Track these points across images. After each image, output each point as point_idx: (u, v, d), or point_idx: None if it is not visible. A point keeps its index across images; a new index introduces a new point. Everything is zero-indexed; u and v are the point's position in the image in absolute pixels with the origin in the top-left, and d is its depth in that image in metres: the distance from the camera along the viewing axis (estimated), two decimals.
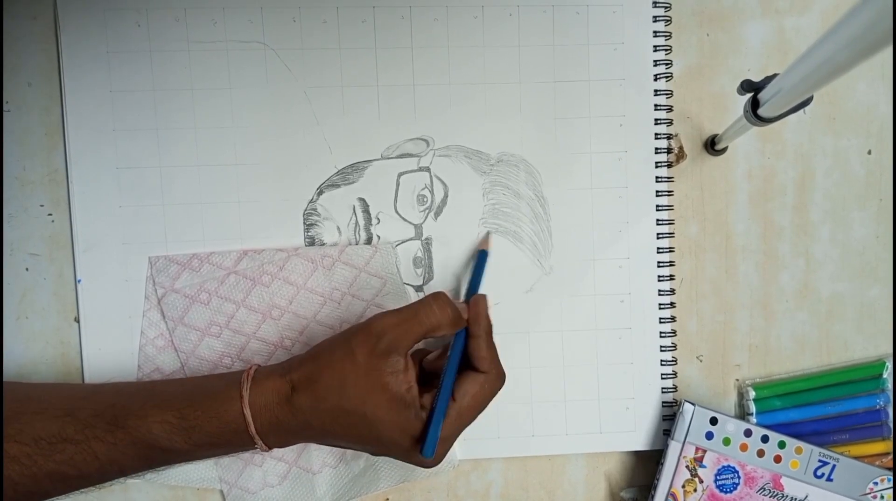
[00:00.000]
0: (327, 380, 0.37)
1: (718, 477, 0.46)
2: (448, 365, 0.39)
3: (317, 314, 0.45)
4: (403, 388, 0.37)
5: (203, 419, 0.37)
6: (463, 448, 0.47)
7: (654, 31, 0.47)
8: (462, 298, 0.45)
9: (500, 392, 0.47)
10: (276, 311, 0.44)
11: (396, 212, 0.46)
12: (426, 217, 0.46)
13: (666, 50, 0.47)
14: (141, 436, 0.36)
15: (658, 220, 0.48)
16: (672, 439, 0.46)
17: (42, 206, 0.45)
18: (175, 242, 0.45)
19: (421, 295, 0.46)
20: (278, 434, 0.38)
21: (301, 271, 0.44)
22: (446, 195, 0.46)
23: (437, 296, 0.39)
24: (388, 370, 0.37)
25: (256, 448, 0.37)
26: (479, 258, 0.45)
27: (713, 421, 0.46)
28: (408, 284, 0.46)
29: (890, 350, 0.49)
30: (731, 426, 0.46)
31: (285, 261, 0.44)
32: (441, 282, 0.46)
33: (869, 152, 0.49)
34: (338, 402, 0.36)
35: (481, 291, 0.42)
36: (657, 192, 0.47)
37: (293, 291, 0.44)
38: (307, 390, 0.37)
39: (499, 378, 0.40)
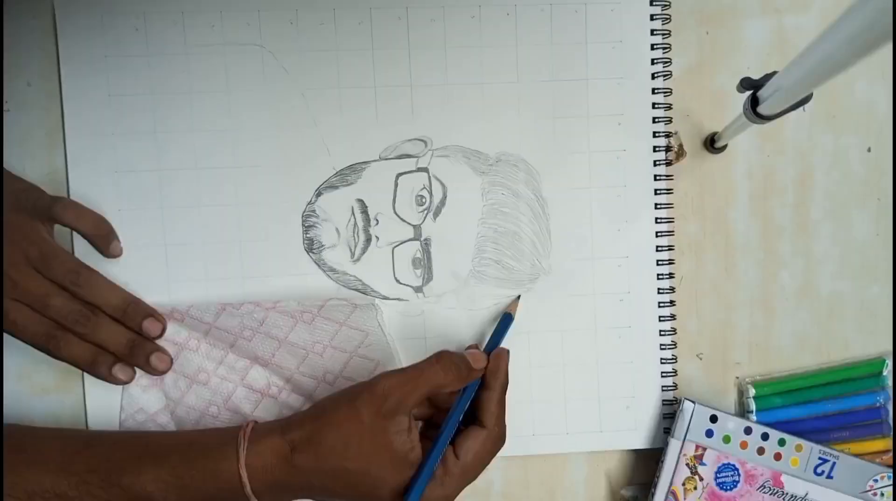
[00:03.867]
0: (330, 441, 0.37)
1: (718, 475, 0.46)
2: (451, 416, 0.39)
3: (300, 365, 0.45)
4: (407, 447, 0.37)
5: (198, 479, 0.36)
6: None
7: (653, 30, 0.47)
8: (483, 349, 0.44)
9: None
10: (261, 360, 0.44)
11: (395, 213, 0.46)
12: (425, 218, 0.46)
13: (664, 48, 0.47)
14: (135, 494, 0.36)
15: (657, 218, 0.47)
16: (672, 437, 0.46)
17: None
18: (173, 245, 0.45)
19: (420, 296, 0.46)
20: (275, 493, 0.37)
21: (281, 325, 0.44)
22: (445, 196, 0.46)
23: (441, 357, 0.39)
24: (393, 430, 0.37)
25: None
26: (504, 321, 0.45)
27: (713, 419, 0.46)
28: (407, 284, 0.46)
29: (890, 348, 0.49)
30: (732, 424, 0.46)
31: (264, 317, 0.44)
32: (440, 283, 0.46)
33: (869, 150, 0.49)
34: (341, 463, 0.36)
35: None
36: (656, 190, 0.47)
37: (275, 345, 0.44)
38: (308, 450, 0.37)
39: (500, 437, 0.40)
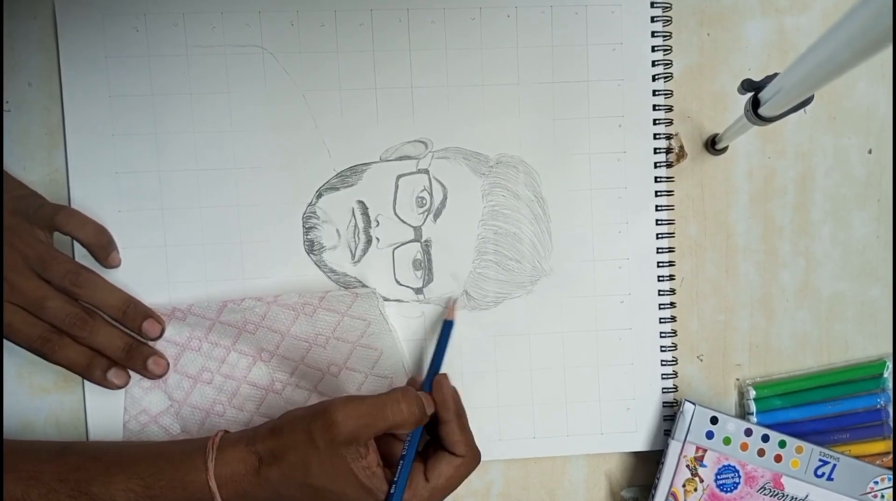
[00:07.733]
0: (292, 459, 0.37)
1: (719, 477, 0.46)
2: (404, 459, 0.39)
3: (304, 357, 0.45)
4: (367, 473, 0.37)
5: (167, 489, 0.36)
6: None
7: (653, 31, 0.47)
8: (423, 375, 0.44)
9: (501, 395, 0.47)
10: (265, 354, 0.45)
11: (396, 214, 0.46)
12: (425, 219, 0.46)
13: (665, 50, 0.47)
14: None
15: (658, 220, 0.47)
16: (672, 438, 0.46)
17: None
18: (174, 246, 0.45)
19: (420, 297, 0.46)
20: None
21: (283, 319, 0.44)
22: (445, 197, 0.46)
23: (407, 393, 0.39)
24: (350, 457, 0.37)
25: None
26: (445, 330, 0.44)
27: (713, 421, 0.46)
28: (407, 286, 0.46)
29: (890, 350, 0.49)
30: (732, 426, 0.46)
31: (266, 311, 0.44)
32: (441, 284, 0.46)
33: (869, 152, 0.49)
34: (305, 480, 0.37)
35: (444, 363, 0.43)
36: (657, 192, 0.47)
37: (278, 338, 0.44)
38: (274, 464, 0.37)
39: (475, 459, 0.40)
